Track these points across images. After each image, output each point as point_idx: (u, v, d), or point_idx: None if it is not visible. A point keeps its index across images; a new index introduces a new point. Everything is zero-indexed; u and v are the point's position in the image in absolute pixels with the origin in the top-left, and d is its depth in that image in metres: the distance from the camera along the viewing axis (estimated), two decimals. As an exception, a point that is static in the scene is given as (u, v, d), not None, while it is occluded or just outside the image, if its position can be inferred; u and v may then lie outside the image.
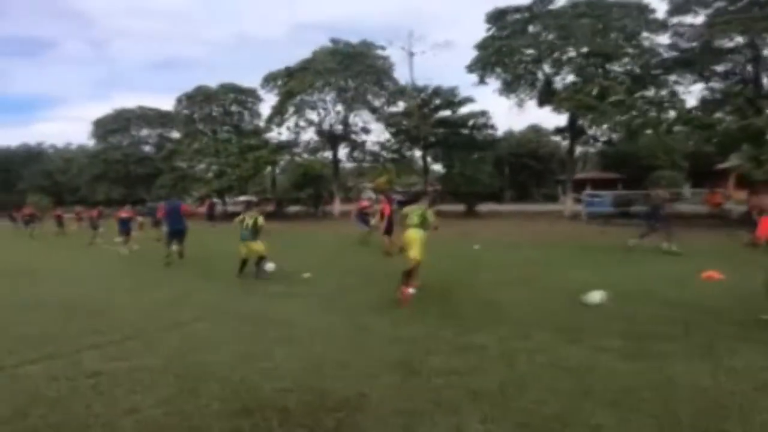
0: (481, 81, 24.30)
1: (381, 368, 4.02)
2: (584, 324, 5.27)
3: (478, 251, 12.29)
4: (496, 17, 24.23)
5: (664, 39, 22.68)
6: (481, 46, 23.85)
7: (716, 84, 22.39)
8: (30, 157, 59.84)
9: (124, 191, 45.53)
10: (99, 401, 3.43)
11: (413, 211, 7.21)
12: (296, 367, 4.04)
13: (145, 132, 47.50)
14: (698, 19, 21.37)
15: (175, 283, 8.26)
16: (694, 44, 21.57)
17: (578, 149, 63.37)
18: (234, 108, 38.25)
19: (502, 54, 23.55)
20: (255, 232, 8.73)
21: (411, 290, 6.69)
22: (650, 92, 22.15)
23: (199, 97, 37.09)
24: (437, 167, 30.52)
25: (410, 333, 5.06)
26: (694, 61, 21.14)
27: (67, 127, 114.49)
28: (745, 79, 21.47)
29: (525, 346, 4.52)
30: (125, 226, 14.32)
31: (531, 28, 24.06)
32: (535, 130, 53.45)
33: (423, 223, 7.10)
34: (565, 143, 33.71)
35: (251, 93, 37.82)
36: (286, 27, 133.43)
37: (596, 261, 10.20)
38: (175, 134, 44.89)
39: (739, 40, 19.85)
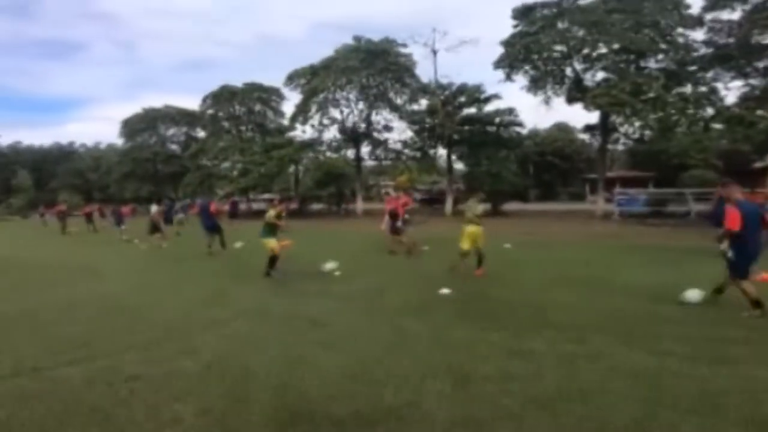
0: (508, 78, 23.78)
1: (429, 374, 3.83)
2: (640, 327, 5.04)
3: (510, 250, 11.93)
4: (523, 13, 23.65)
5: (699, 35, 21.86)
6: (508, 42, 23.31)
7: (756, 81, 21.39)
8: (62, 156, 61.85)
9: (151, 189, 46.60)
10: (140, 409, 3.28)
11: (469, 208, 8.53)
12: (341, 372, 3.86)
13: (171, 131, 48.36)
14: (735, 14, 20.57)
15: (208, 281, 8.22)
16: (731, 40, 20.71)
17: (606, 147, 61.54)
18: (258, 107, 38.56)
19: (529, 50, 22.96)
20: (270, 229, 8.58)
21: (480, 272, 8.35)
22: (686, 89, 21.28)
23: (224, 96, 37.50)
24: (459, 166, 30.20)
25: (454, 336, 4.86)
26: (732, 57, 20.25)
27: (97, 127, 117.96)
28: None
29: (581, 351, 4.31)
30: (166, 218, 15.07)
31: (559, 24, 23.39)
32: (560, 128, 52.31)
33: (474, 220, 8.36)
34: (593, 141, 32.92)
35: (274, 92, 38.07)
36: (306, 26, 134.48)
37: (639, 261, 9.82)
38: (201, 133, 45.57)
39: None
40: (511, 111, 25.08)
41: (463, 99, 25.51)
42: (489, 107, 25.54)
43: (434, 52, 26.20)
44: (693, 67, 21.74)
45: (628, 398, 3.28)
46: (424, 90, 27.14)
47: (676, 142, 31.80)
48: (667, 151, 45.28)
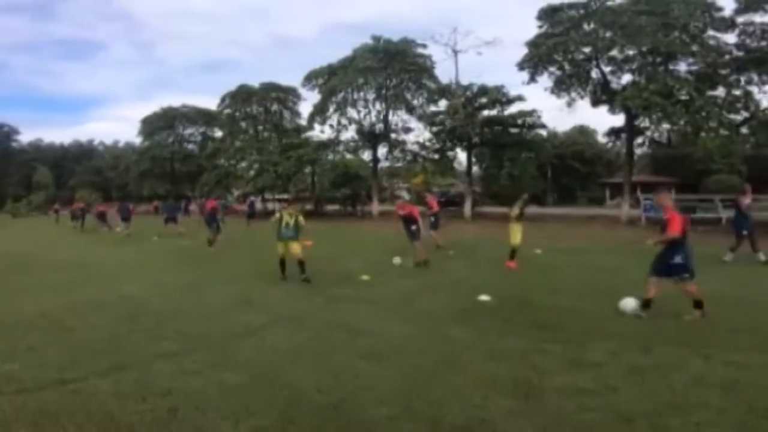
0: (532, 79, 23.24)
1: (492, 388, 3.50)
2: (705, 336, 4.74)
3: (542, 256, 11.48)
4: (549, 13, 23.10)
5: (730, 38, 21.13)
6: (534, 43, 22.77)
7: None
8: (82, 153, 62.79)
9: (169, 187, 46.93)
10: (183, 430, 2.93)
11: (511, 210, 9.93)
12: (396, 388, 3.50)
13: (189, 130, 48.62)
14: (767, 17, 19.82)
15: (231, 283, 7.92)
16: (764, 44, 19.96)
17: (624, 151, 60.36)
18: (275, 107, 38.54)
19: (555, 51, 22.40)
20: (297, 230, 8.28)
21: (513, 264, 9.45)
22: (718, 92, 20.55)
23: (241, 95, 37.53)
24: (475, 168, 29.77)
25: (507, 346, 4.52)
26: (765, 60, 19.47)
27: (116, 126, 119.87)
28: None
29: (650, 362, 4.04)
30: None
31: (585, 26, 22.81)
32: (581, 131, 51.40)
33: (519, 218, 9.76)
34: (617, 144, 32.18)
35: (291, 92, 38.00)
36: (319, 27, 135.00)
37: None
38: (218, 133, 45.78)
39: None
40: (534, 112, 24.51)
41: (484, 100, 25.01)
42: (511, 109, 25.01)
43: (455, 52, 25.77)
44: (724, 71, 21.01)
45: (723, 411, 3.06)
46: (444, 91, 26.69)
47: (702, 145, 30.99)
48: (690, 155, 44.35)
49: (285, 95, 37.67)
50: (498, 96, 24.33)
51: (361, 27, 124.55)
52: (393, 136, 28.79)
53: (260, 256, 11.34)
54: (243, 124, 39.27)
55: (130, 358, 4.16)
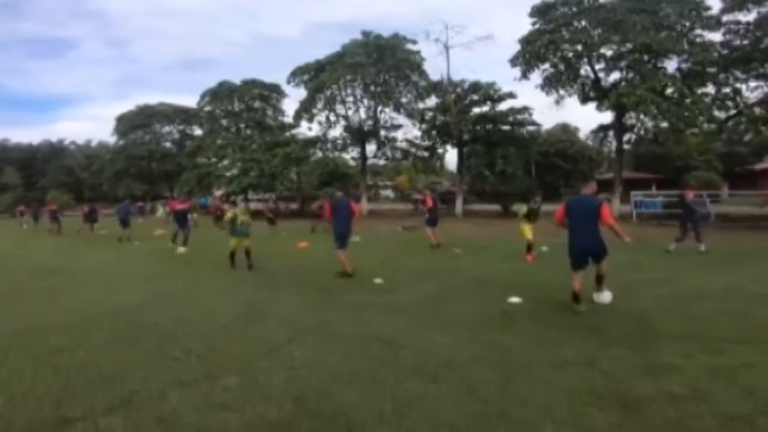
0: (524, 76, 23.07)
1: (578, 400, 3.12)
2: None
3: (550, 254, 11.13)
4: (542, 11, 23.00)
5: (716, 36, 21.41)
6: (526, 40, 22.60)
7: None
8: (52, 153, 60.02)
9: (146, 187, 45.19)
10: None
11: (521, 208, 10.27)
12: (468, 409, 3.01)
13: (167, 128, 46.92)
14: (750, 16, 20.13)
15: (235, 290, 7.24)
16: (746, 42, 20.24)
17: (606, 149, 61.44)
18: (257, 104, 37.46)
19: (547, 48, 22.29)
20: (248, 228, 9.71)
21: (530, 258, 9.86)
22: (708, 89, 20.76)
23: (223, 92, 36.36)
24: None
25: (567, 353, 4.14)
26: (754, 59, 19.73)
27: (88, 126, 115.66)
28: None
29: (728, 363, 3.83)
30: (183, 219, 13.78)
31: (577, 23, 22.77)
32: (563, 129, 51.78)
33: (530, 216, 10.14)
34: (602, 143, 32.46)
35: (275, 88, 37.02)
36: (302, 26, 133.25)
37: (692, 264, 9.24)
38: (197, 131, 44.34)
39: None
40: (526, 109, 24.32)
41: (475, 97, 24.70)
42: (502, 106, 24.77)
43: (447, 48, 25.37)
44: (712, 69, 21.22)
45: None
46: (435, 87, 26.28)
47: (686, 142, 31.45)
48: (670, 153, 45.31)
49: (268, 92, 36.65)
50: (490, 93, 24.04)
51: (344, 26, 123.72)
52: (383, 133, 28.20)
53: (259, 260, 10.66)
54: (224, 122, 38.04)
55: (140, 387, 3.47)
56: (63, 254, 13.12)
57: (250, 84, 35.76)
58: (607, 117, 26.80)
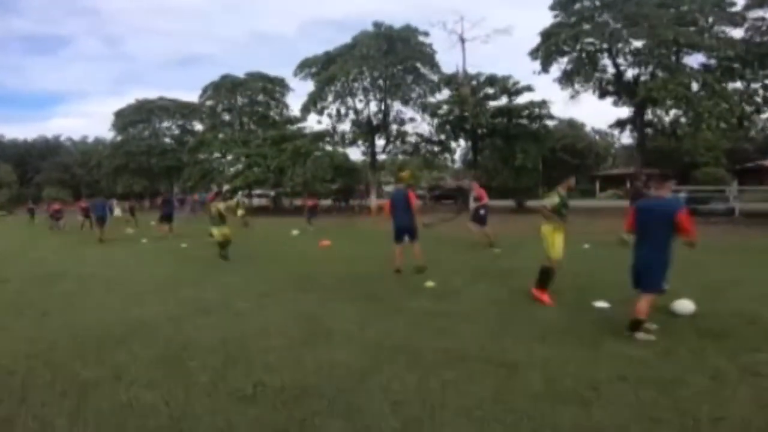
0: (544, 69, 22.33)
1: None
2: None
3: (593, 251, 10.41)
4: (563, 4, 22.25)
5: (738, 33, 20.79)
6: (547, 33, 21.85)
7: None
8: (47, 150, 58.80)
9: (145, 184, 44.11)
10: None
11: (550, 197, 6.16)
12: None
13: (166, 124, 45.90)
14: None
15: (275, 297, 6.39)
16: (766, 39, 19.63)
17: (617, 145, 60.92)
18: (261, 98, 36.51)
19: (567, 42, 21.57)
20: (220, 219, 10.17)
21: (546, 298, 5.80)
22: (737, 85, 20.12)
23: (225, 86, 35.41)
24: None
25: (708, 362, 3.73)
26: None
27: (84, 123, 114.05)
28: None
29: None
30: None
31: (599, 17, 22.02)
32: (570, 124, 51.15)
33: (561, 210, 6.00)
34: (617, 138, 31.84)
35: (279, 82, 36.11)
36: (299, 23, 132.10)
37: (732, 262, 8.79)
38: (198, 126, 43.33)
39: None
40: (544, 103, 23.53)
41: (490, 90, 23.88)
42: (519, 99, 23.99)
43: (462, 41, 24.51)
44: (736, 65, 20.53)
45: None
46: (449, 80, 25.44)
47: (703, 138, 30.88)
48: (679, 148, 44.87)
49: (272, 86, 35.72)
50: (507, 86, 23.24)
51: (341, 23, 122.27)
52: (394, 126, 27.33)
53: (288, 263, 9.82)
54: (227, 117, 37.12)
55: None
56: (68, 255, 12.17)
57: (255, 77, 34.81)
58: (624, 112, 26.17)
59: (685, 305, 5.23)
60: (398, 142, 27.99)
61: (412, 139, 28.40)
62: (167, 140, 45.83)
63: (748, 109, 19.62)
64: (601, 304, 5.58)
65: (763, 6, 19.34)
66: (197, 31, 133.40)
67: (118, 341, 4.54)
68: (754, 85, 19.61)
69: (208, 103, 37.49)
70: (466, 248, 11.37)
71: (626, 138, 50.23)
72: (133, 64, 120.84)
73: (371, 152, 28.69)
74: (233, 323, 5.09)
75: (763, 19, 19.67)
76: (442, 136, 26.25)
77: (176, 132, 46.24)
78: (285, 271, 8.49)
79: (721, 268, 8.02)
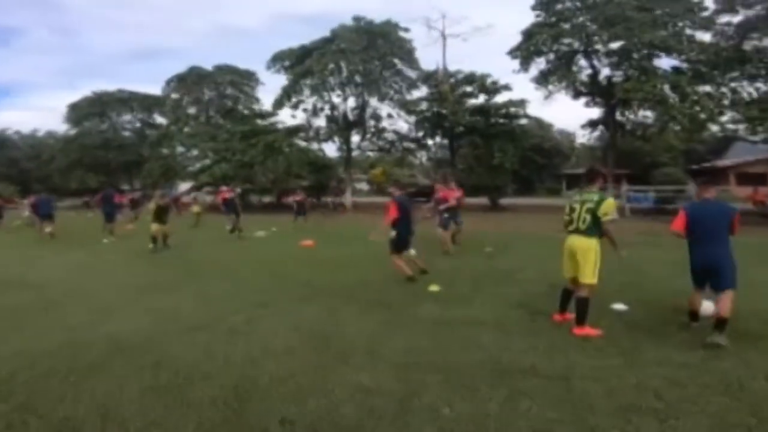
0: (523, 68, 22.44)
1: None
2: None
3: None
4: (546, 4, 22.40)
5: (707, 37, 21.56)
6: (528, 32, 21.93)
7: (762, 85, 21.20)
8: (-8, 143, 54.43)
9: (102, 179, 41.55)
10: None
11: (582, 203, 4.66)
12: None
13: (126, 117, 43.38)
14: (736, 18, 20.37)
15: (277, 309, 5.73)
16: (731, 43, 20.49)
17: (577, 144, 62.82)
18: (230, 91, 35.10)
19: (546, 43, 21.74)
20: (158, 215, 11.22)
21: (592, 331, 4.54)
22: (707, 88, 20.84)
23: (191, 79, 33.81)
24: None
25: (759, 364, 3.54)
26: (749, 60, 19.88)
27: (35, 117, 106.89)
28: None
29: None
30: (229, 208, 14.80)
31: (579, 18, 22.31)
32: (538, 124, 52.12)
33: (595, 223, 4.55)
34: (588, 138, 32.69)
35: (249, 75, 34.82)
36: (266, 17, 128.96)
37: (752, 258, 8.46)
38: (160, 119, 41.25)
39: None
40: (523, 102, 23.64)
41: (469, 89, 23.78)
42: (497, 98, 24.00)
43: (444, 37, 24.28)
44: (705, 69, 21.27)
45: None
46: (428, 77, 25.16)
47: (667, 139, 32.07)
48: (639, 149, 46.68)
49: (242, 79, 34.39)
50: (486, 84, 23.19)
51: (312, 18, 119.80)
52: (372, 122, 26.78)
53: (276, 265, 9.14)
54: (192, 110, 35.48)
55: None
56: (15, 259, 10.75)
57: (223, 70, 33.39)
58: (594, 113, 26.77)
59: (707, 306, 5.06)
60: (375, 139, 27.46)
61: (389, 136, 27.97)
62: (126, 134, 43.40)
63: (716, 111, 20.36)
64: (619, 306, 5.40)
65: (731, 11, 20.07)
66: (160, 23, 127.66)
67: (92, 368, 3.79)
68: (723, 89, 20.33)
69: (173, 95, 35.70)
70: (453, 248, 11.05)
71: (584, 138, 52.03)
72: (89, 57, 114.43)
73: (347, 148, 28.03)
74: (230, 342, 4.41)
75: (729, 24, 20.43)
76: (420, 134, 25.96)
77: (137, 125, 43.85)
78: (274, 276, 7.82)
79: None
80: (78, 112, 41.35)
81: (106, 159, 41.00)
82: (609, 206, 4.57)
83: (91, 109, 41.23)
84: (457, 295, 6.31)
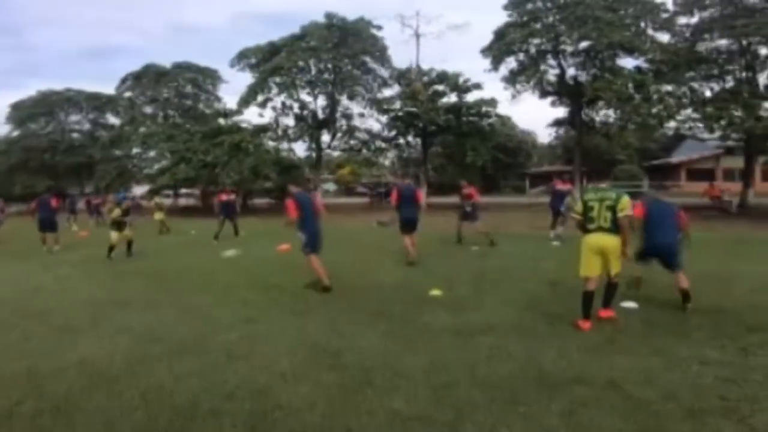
0: (494, 68, 22.59)
1: None
2: None
3: (563, 248, 10.36)
4: (517, 3, 22.62)
5: (665, 37, 22.42)
6: (500, 32, 22.10)
7: (715, 84, 22.27)
8: None
9: (50, 183, 38.73)
10: None
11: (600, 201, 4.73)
12: None
13: (74, 117, 40.70)
14: (692, 20, 21.32)
15: (273, 324, 5.19)
16: (687, 45, 21.44)
17: (537, 143, 64.55)
18: (189, 89, 33.54)
19: (516, 43, 21.96)
20: (116, 223, 10.54)
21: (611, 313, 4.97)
22: (669, 87, 21.64)
23: (148, 77, 32.04)
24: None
25: None
26: (707, 60, 20.81)
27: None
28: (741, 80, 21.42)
29: None
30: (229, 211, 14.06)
31: (549, 18, 22.66)
32: (503, 123, 53.16)
33: (614, 219, 4.62)
34: (552, 136, 33.48)
35: (211, 73, 33.42)
36: (226, 16, 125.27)
37: (713, 253, 8.87)
38: (113, 120, 38.96)
39: (722, 43, 20.05)
40: (494, 101, 23.79)
41: (440, 87, 23.71)
42: (468, 97, 24.07)
43: (417, 35, 24.10)
44: (665, 68, 22.08)
45: None
46: (402, 75, 24.90)
47: (627, 137, 33.36)
48: (598, 146, 48.46)
49: (203, 77, 32.94)
50: (458, 83, 23.18)
51: (275, 17, 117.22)
52: (343, 122, 26.21)
53: (246, 273, 8.50)
54: (148, 109, 33.64)
55: None
56: None
57: (182, 67, 31.84)
58: (559, 112, 27.36)
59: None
60: (346, 138, 26.91)
61: (361, 135, 27.48)
62: (75, 135, 40.72)
63: (676, 110, 21.18)
64: (628, 304, 5.34)
65: (688, 13, 20.92)
66: (113, 21, 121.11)
67: (67, 405, 3.16)
68: (683, 89, 21.18)
69: (127, 94, 33.73)
70: (439, 245, 10.84)
71: (547, 137, 53.61)
72: (34, 55, 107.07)
73: (317, 148, 27.29)
74: (229, 367, 3.81)
75: (687, 25, 21.31)
76: (393, 132, 25.65)
77: (87, 126, 41.21)
78: (257, 285, 7.18)
79: (698, 261, 8.11)
80: (21, 113, 38.46)
81: (53, 162, 38.34)
82: (626, 202, 4.71)
83: (36, 109, 38.44)
84: (461, 299, 6.00)
